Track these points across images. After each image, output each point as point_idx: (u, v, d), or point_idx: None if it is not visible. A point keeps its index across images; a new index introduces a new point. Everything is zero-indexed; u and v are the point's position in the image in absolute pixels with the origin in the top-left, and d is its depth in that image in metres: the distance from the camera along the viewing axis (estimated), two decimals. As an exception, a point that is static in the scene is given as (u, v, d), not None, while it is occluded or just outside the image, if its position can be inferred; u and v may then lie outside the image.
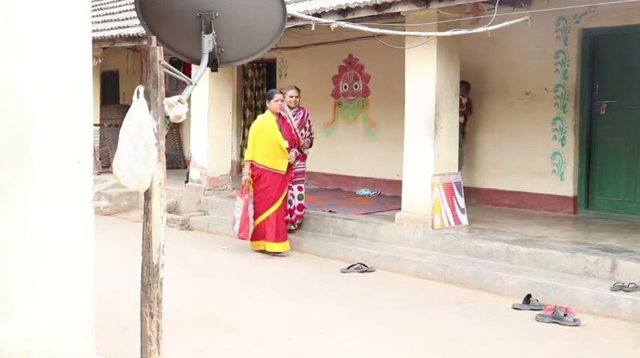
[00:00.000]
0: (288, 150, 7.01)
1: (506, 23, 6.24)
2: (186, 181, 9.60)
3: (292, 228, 7.46)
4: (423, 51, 6.67)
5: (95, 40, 9.80)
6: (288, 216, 7.35)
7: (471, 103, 8.42)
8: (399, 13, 6.58)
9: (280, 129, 7.01)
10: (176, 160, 12.57)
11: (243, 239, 7.03)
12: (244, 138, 11.88)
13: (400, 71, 7.06)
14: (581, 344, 4.47)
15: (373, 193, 9.32)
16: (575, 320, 4.83)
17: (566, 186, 7.74)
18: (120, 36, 9.95)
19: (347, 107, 10.10)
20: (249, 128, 11.85)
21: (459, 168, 7.91)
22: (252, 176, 6.99)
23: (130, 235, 7.05)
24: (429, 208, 6.69)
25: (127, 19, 10.92)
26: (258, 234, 7.00)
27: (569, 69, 7.64)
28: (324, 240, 7.18)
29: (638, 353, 4.34)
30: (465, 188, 7.24)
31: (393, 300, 5.46)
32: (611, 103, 7.50)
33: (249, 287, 5.83)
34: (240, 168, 11.97)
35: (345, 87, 10.12)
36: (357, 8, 6.67)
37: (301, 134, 7.35)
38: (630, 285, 5.11)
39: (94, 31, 9.80)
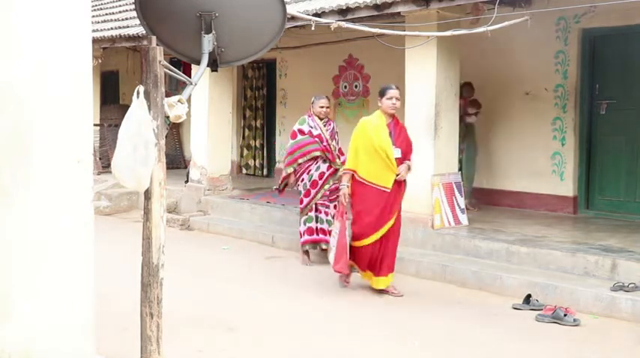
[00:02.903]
0: (399, 161, 5.50)
1: (506, 23, 6.24)
2: (186, 181, 9.61)
3: (323, 246, 6.58)
4: (423, 51, 6.67)
5: (95, 40, 9.80)
6: (324, 236, 6.53)
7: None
8: (399, 13, 6.59)
9: (391, 135, 5.52)
10: (176, 160, 12.57)
11: (339, 273, 5.59)
12: (244, 138, 11.89)
13: (400, 71, 7.05)
14: (581, 344, 4.47)
15: (373, 193, 9.31)
16: (575, 320, 4.83)
17: (566, 186, 7.73)
18: (120, 36, 9.95)
19: (347, 107, 10.10)
20: (249, 128, 11.96)
21: (471, 178, 7.83)
22: (351, 190, 5.55)
23: (130, 235, 7.04)
24: (429, 208, 6.69)
25: (127, 19, 10.92)
26: (360, 261, 5.60)
27: (569, 69, 7.64)
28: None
29: (638, 353, 4.34)
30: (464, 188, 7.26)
31: (393, 300, 5.46)
32: (611, 103, 7.50)
33: (249, 287, 5.83)
34: (240, 168, 11.99)
35: (345, 87, 10.12)
36: (357, 8, 6.67)
37: (333, 147, 6.65)
38: (630, 285, 5.12)
39: (94, 31, 9.80)
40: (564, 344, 4.45)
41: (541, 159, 7.90)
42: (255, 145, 11.75)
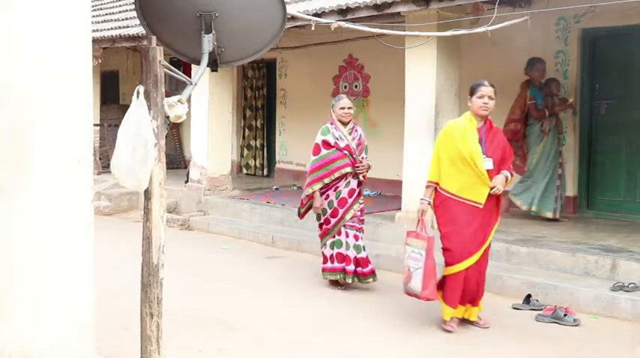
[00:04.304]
0: (491, 173, 4.59)
1: (506, 23, 6.24)
2: (186, 181, 9.61)
3: (369, 281, 5.74)
4: (423, 51, 6.67)
5: (95, 40, 9.81)
6: (361, 268, 5.69)
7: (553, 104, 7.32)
8: (399, 13, 6.59)
9: (482, 142, 4.63)
10: (176, 160, 12.58)
11: (429, 299, 4.70)
12: (244, 138, 11.89)
13: (400, 71, 7.05)
14: (581, 344, 4.47)
15: (373, 193, 9.32)
16: (575, 320, 4.84)
17: (566, 186, 7.72)
18: (120, 36, 9.95)
19: (347, 107, 10.09)
20: (249, 128, 11.95)
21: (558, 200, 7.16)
22: (434, 206, 4.80)
23: (130, 235, 7.04)
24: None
25: (127, 19, 10.93)
26: (451, 292, 4.69)
27: (569, 69, 7.63)
28: (324, 240, 7.17)
29: (638, 353, 4.35)
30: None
31: (393, 300, 5.46)
32: (611, 103, 7.50)
33: (249, 287, 5.83)
34: (240, 168, 11.99)
35: (345, 87, 10.12)
36: (357, 8, 6.68)
37: (361, 159, 5.72)
38: (630, 285, 5.12)
39: (94, 31, 9.81)
40: (564, 344, 4.45)
41: (541, 159, 7.88)
42: (256, 145, 11.75)
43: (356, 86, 9.98)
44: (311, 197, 5.74)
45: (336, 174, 5.64)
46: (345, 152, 5.64)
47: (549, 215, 7.13)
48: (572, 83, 7.64)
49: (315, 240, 6.97)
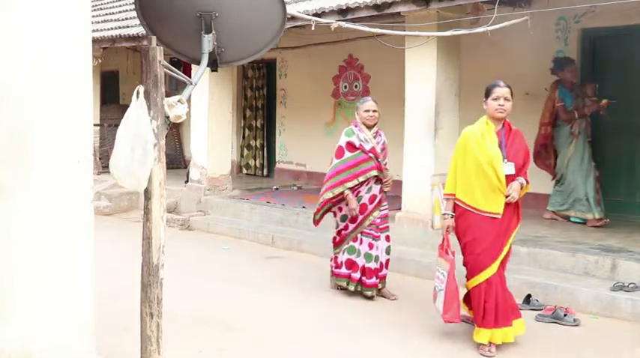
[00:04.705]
0: (509, 179, 4.33)
1: (506, 23, 6.24)
2: (186, 181, 9.62)
3: (369, 294, 5.43)
4: (423, 51, 6.68)
5: (95, 40, 9.81)
6: (365, 278, 5.44)
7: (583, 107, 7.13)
8: (399, 13, 6.59)
9: (502, 146, 4.37)
10: (176, 160, 12.58)
11: (450, 322, 4.51)
12: (244, 138, 11.89)
13: (400, 71, 7.06)
14: (581, 344, 4.47)
15: (373, 193, 9.30)
16: (575, 320, 4.84)
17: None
18: (120, 36, 9.95)
19: (347, 107, 10.10)
20: (249, 128, 11.96)
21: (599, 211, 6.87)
22: (455, 218, 4.50)
23: (130, 235, 7.04)
24: (428, 208, 6.68)
25: (127, 19, 10.94)
26: (486, 305, 4.38)
27: (570, 69, 7.63)
28: (323, 239, 7.17)
29: (638, 353, 4.35)
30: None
31: (394, 301, 5.46)
32: (611, 103, 7.49)
33: (249, 287, 5.83)
34: (240, 168, 11.99)
35: (345, 87, 10.13)
36: (357, 8, 6.68)
37: (385, 165, 5.49)
38: (630, 285, 5.12)
39: (94, 31, 9.81)
40: (564, 344, 4.45)
41: (541, 159, 7.88)
42: (256, 145, 11.76)
43: (356, 86, 9.99)
44: (327, 202, 5.50)
45: (361, 178, 5.36)
46: (371, 155, 5.38)
47: (596, 219, 6.89)
48: (572, 83, 7.64)
49: (315, 240, 6.98)
